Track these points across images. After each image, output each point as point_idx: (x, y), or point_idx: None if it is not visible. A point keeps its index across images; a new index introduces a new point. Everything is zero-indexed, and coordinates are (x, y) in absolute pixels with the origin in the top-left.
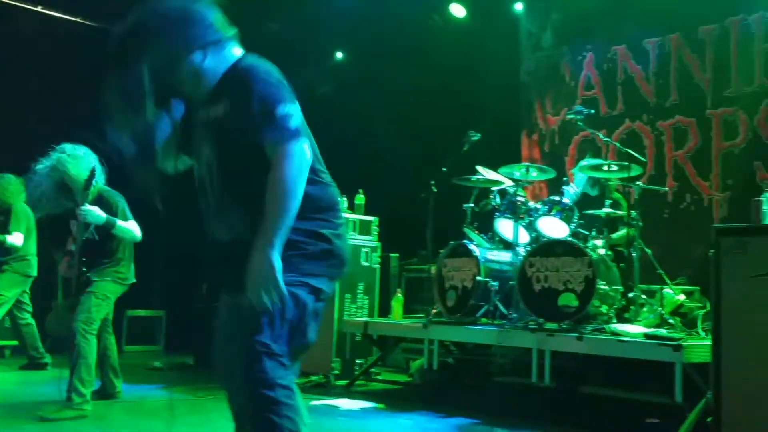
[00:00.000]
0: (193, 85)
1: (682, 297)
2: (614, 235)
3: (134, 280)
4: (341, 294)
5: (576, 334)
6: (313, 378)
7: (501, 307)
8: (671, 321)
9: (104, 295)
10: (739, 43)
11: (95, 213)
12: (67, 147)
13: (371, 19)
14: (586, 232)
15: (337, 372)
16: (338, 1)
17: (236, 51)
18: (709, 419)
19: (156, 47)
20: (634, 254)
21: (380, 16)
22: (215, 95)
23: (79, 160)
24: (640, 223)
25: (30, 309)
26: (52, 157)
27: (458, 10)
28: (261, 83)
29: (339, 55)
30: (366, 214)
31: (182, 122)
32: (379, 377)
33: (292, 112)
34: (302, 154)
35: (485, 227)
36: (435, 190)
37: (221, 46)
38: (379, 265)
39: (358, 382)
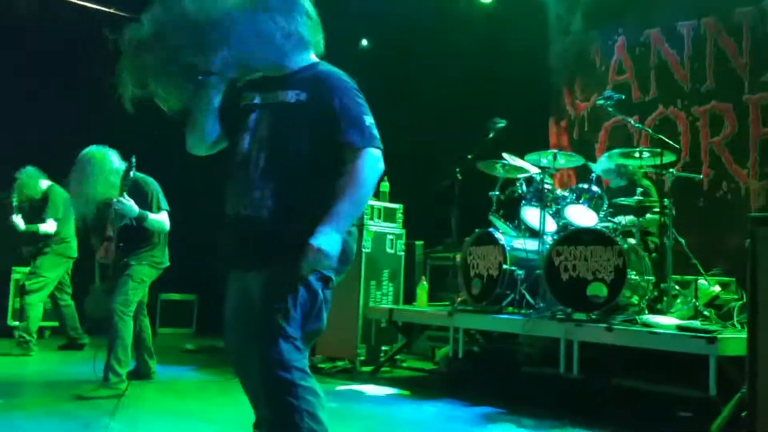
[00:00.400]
0: (273, 69)
1: (717, 288)
2: (645, 219)
3: (168, 264)
4: (366, 281)
5: (605, 325)
6: (339, 363)
7: (527, 297)
8: (706, 313)
9: (140, 278)
10: None
11: (130, 206)
12: (93, 150)
13: (396, 4)
14: (617, 221)
15: (362, 358)
16: None
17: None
18: (743, 413)
19: (262, 23)
20: (666, 243)
21: (405, 3)
22: (291, 83)
23: (106, 160)
24: (674, 212)
25: (70, 291)
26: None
27: None
28: (351, 90)
29: (363, 42)
30: (391, 201)
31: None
32: (405, 364)
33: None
34: (381, 161)
35: (512, 215)
36: (460, 177)
37: (309, 44)
38: (404, 253)
39: (383, 368)
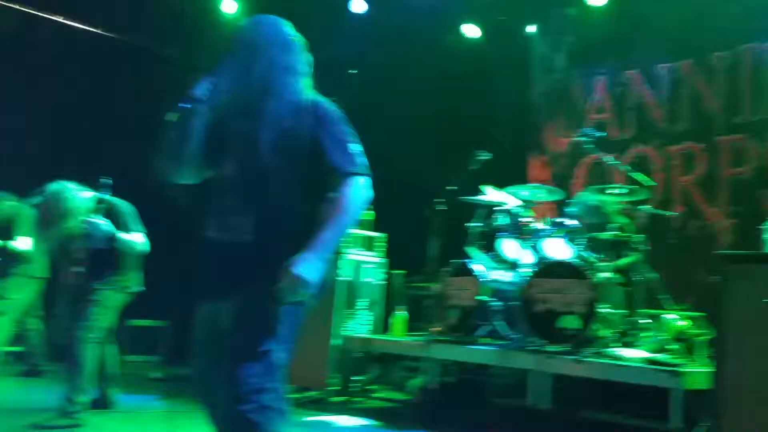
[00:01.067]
0: (259, 95)
1: (684, 323)
2: (620, 261)
3: (141, 289)
4: (341, 309)
5: (575, 357)
6: (310, 393)
7: (502, 328)
8: (673, 347)
9: (107, 303)
10: (751, 70)
11: (99, 225)
12: (59, 188)
13: (384, 38)
14: (592, 255)
15: (334, 388)
16: (351, 20)
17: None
18: None
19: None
20: (638, 278)
21: (393, 35)
22: (277, 110)
23: (73, 198)
24: (647, 247)
25: (39, 314)
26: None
27: (472, 31)
28: (338, 119)
29: (351, 71)
30: (375, 230)
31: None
32: (377, 395)
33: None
34: (368, 189)
35: (490, 247)
36: (441, 208)
37: (295, 71)
38: (385, 282)
39: (355, 398)
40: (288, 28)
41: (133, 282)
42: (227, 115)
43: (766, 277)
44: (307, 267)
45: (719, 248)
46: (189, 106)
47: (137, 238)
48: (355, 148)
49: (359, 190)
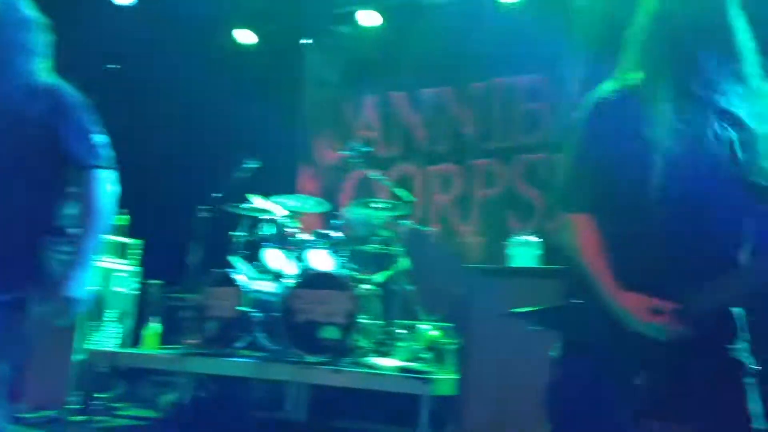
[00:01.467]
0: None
1: (436, 333)
2: (379, 275)
3: None
4: (82, 322)
5: (334, 367)
6: (46, 413)
7: (263, 339)
8: (424, 356)
9: None
10: (503, 101)
11: None
12: None
13: (152, 36)
14: (354, 267)
15: (74, 406)
16: (114, 12)
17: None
18: None
19: None
20: (396, 289)
21: (162, 31)
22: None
23: None
24: (405, 261)
25: None
26: None
27: (247, 37)
28: (82, 108)
29: (110, 65)
30: (130, 236)
31: None
32: (124, 412)
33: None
34: (114, 184)
35: (254, 257)
36: (205, 215)
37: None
38: (138, 292)
39: (98, 417)
40: (24, 4)
41: None
42: None
43: (505, 290)
44: (76, 285)
45: (469, 263)
46: None
47: None
48: (100, 138)
49: (103, 184)
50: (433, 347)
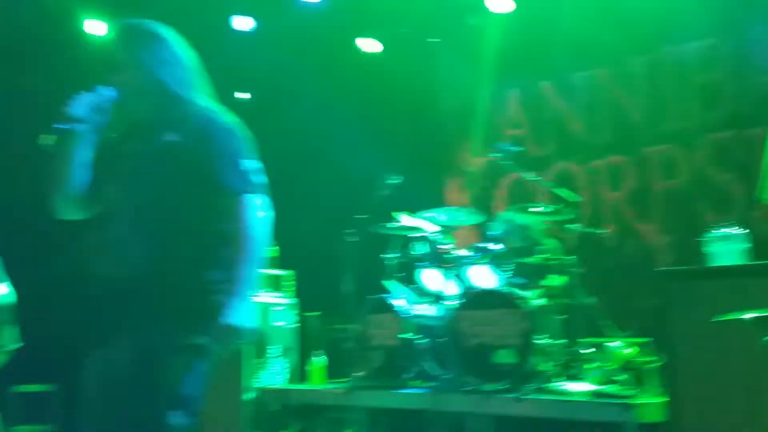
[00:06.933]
0: (148, 114)
1: (630, 350)
2: (550, 283)
3: (18, 345)
4: (246, 360)
5: (515, 395)
6: None
7: (432, 368)
8: (619, 378)
9: None
10: (673, 75)
11: None
12: None
13: (274, 58)
14: (520, 282)
15: None
16: (238, 45)
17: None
18: None
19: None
20: (574, 304)
21: (284, 56)
22: (165, 126)
23: None
24: (580, 270)
25: None
26: None
27: (372, 46)
28: (233, 132)
29: (244, 94)
30: (281, 267)
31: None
32: None
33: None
34: (268, 209)
35: (410, 279)
36: (353, 239)
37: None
38: (298, 325)
39: None
40: (172, 36)
41: (8, 339)
42: (111, 136)
43: (712, 293)
44: (238, 314)
45: (658, 267)
46: (67, 126)
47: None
48: (251, 164)
49: (254, 210)
50: (628, 367)
